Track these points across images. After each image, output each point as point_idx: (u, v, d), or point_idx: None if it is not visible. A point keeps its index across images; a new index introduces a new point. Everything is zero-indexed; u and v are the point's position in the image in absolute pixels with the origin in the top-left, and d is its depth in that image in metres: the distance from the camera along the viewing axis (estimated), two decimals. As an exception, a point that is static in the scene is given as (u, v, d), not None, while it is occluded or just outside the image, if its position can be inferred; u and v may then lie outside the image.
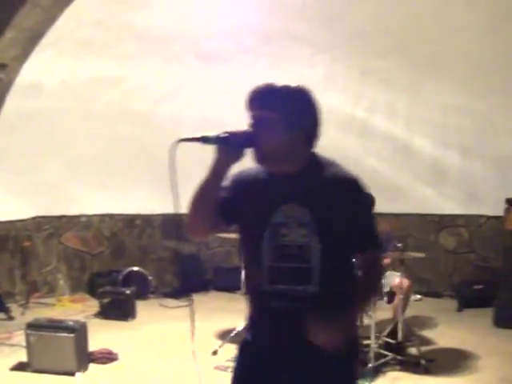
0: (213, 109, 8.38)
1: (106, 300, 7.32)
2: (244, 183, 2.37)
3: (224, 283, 8.92)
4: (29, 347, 5.48)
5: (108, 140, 8.30)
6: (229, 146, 2.23)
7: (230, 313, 7.07)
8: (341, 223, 2.19)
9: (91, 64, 7.87)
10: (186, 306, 7.91)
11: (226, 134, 2.23)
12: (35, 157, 7.80)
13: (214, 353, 5.78)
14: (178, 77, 8.48)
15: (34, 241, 8.54)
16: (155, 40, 7.97)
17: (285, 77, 2.29)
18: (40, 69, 7.33)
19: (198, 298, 8.51)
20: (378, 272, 2.49)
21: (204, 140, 2.25)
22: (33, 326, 5.53)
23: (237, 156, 2.26)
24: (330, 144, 9.28)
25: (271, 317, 2.25)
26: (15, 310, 7.60)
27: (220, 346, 5.86)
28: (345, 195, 2.21)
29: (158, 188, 8.22)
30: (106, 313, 7.22)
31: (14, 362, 5.63)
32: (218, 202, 2.33)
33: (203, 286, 8.98)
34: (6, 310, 7.48)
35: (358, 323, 2.31)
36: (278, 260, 2.21)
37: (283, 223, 2.20)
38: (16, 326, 6.79)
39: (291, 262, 2.20)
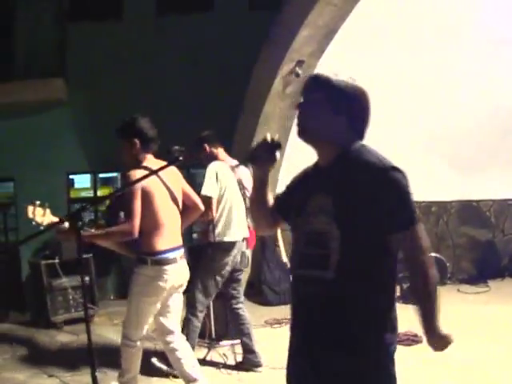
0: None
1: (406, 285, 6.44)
2: (297, 179, 2.53)
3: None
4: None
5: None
6: (254, 162, 2.53)
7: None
8: (364, 211, 2.15)
9: (383, 55, 8.07)
10: (484, 291, 7.86)
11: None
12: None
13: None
14: (468, 64, 8.43)
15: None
16: (448, 27, 8.10)
17: None
18: (334, 63, 7.61)
19: (494, 284, 8.31)
20: (421, 262, 2.20)
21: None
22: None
23: (264, 166, 2.51)
24: None
25: (297, 301, 2.36)
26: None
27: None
28: (370, 183, 2.17)
29: (455, 175, 8.24)
30: (405, 297, 6.11)
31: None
32: (276, 200, 2.59)
33: (499, 273, 8.68)
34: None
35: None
36: (305, 246, 2.29)
37: (312, 212, 2.28)
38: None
39: (314, 248, 2.25)
